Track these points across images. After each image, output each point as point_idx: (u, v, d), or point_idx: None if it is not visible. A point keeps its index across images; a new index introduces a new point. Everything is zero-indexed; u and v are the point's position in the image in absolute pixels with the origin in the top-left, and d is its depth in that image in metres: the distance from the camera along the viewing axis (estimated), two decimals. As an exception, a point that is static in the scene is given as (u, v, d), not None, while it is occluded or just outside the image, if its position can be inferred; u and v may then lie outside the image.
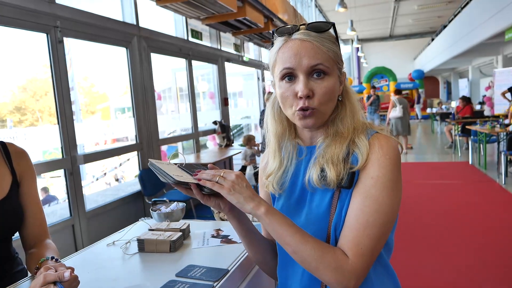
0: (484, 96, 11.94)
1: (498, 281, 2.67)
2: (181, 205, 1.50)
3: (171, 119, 6.13)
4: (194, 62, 5.60)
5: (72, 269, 0.86)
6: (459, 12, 11.49)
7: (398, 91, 9.13)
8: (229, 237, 1.28)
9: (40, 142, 3.37)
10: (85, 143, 3.93)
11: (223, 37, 6.71)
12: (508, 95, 7.86)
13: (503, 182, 5.41)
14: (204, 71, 7.13)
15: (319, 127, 0.87)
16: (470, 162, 7.12)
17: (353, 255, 0.75)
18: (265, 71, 8.51)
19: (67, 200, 3.39)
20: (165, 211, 1.46)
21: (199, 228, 1.40)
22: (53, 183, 5.99)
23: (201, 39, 5.92)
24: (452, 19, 12.55)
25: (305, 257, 0.76)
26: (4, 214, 1.11)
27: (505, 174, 5.54)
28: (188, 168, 0.90)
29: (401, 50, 21.10)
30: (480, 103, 12.91)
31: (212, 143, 7.17)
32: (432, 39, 16.65)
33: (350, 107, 0.87)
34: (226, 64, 6.76)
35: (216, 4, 4.74)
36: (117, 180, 8.82)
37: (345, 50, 20.80)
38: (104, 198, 4.41)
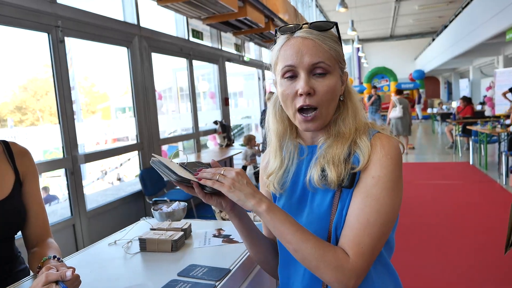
0: (485, 96, 11.92)
1: (499, 281, 2.67)
2: (182, 204, 1.50)
3: (172, 119, 6.13)
4: (194, 62, 5.60)
5: (74, 269, 0.87)
6: (460, 12, 11.47)
7: (399, 91, 9.14)
8: (231, 237, 1.28)
9: (40, 142, 3.37)
10: (85, 143, 3.93)
11: (224, 37, 6.71)
12: (509, 95, 7.85)
13: (504, 183, 5.41)
14: (205, 71, 7.14)
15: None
16: (470, 163, 7.11)
17: (354, 254, 0.76)
18: (265, 71, 8.51)
19: (67, 200, 3.39)
20: (167, 210, 1.46)
21: (200, 227, 1.40)
22: (49, 184, 5.98)
23: (202, 39, 5.92)
24: (453, 19, 12.53)
25: (306, 255, 0.76)
26: (7, 213, 1.11)
27: (506, 175, 5.54)
28: (190, 167, 0.90)
29: (401, 50, 21.08)
30: (481, 103, 12.89)
31: (212, 143, 7.17)
32: (433, 39, 16.62)
33: (352, 107, 0.87)
34: (227, 64, 6.76)
35: (217, 4, 4.74)
36: (119, 179, 8.83)
37: (346, 50, 20.73)
38: (104, 197, 4.42)
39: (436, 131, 12.99)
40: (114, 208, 3.86)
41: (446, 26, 13.77)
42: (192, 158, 5.07)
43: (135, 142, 4.35)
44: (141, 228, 1.41)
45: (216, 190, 0.80)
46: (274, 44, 0.87)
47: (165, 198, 3.96)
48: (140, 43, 4.30)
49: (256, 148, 5.66)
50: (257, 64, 8.48)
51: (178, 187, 0.92)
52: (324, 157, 0.83)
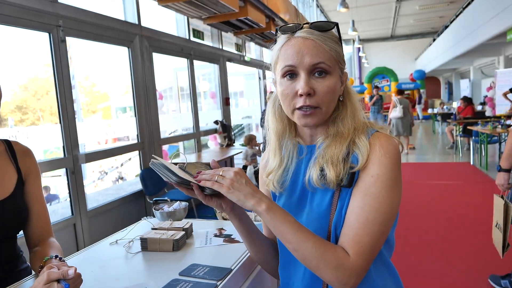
0: (486, 96, 11.92)
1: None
2: (183, 204, 1.51)
3: (173, 119, 6.13)
4: (195, 62, 5.61)
5: (75, 268, 0.87)
6: (460, 12, 11.48)
7: (400, 91, 9.17)
8: (232, 236, 1.28)
9: (41, 141, 3.38)
10: (85, 143, 3.94)
11: (225, 37, 6.71)
12: (509, 95, 7.84)
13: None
14: (206, 70, 7.14)
15: (319, 126, 0.87)
16: (471, 163, 7.11)
17: (354, 253, 0.76)
18: (266, 71, 8.51)
19: (68, 199, 3.40)
20: (168, 210, 1.46)
21: (201, 227, 1.40)
22: (47, 184, 5.98)
23: (203, 39, 5.92)
24: (453, 20, 12.53)
25: (306, 254, 0.76)
26: (9, 212, 1.11)
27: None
28: (190, 167, 0.90)
29: (402, 51, 21.08)
30: (481, 103, 12.88)
31: (213, 143, 7.17)
32: (434, 40, 16.63)
33: (351, 107, 0.87)
34: (228, 63, 6.76)
35: (218, 4, 4.74)
36: (121, 178, 8.84)
37: (347, 50, 20.77)
38: (105, 197, 4.42)
39: (436, 131, 12.99)
40: (114, 207, 3.86)
41: (446, 26, 13.77)
42: (192, 158, 5.07)
43: (135, 141, 4.35)
44: (142, 227, 1.42)
45: (216, 191, 0.80)
46: (275, 43, 0.88)
47: (166, 198, 3.96)
48: (141, 42, 4.30)
49: (257, 148, 5.66)
50: (258, 64, 8.48)
51: (178, 187, 0.92)
52: (323, 156, 0.84)
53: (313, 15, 12.54)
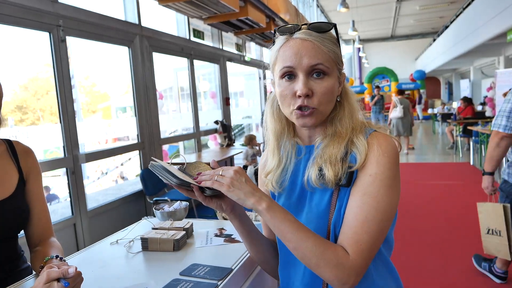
0: (486, 97, 11.91)
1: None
2: (184, 204, 1.51)
3: (173, 119, 6.13)
4: (195, 62, 5.61)
5: (75, 267, 0.87)
6: (461, 12, 11.47)
7: (400, 92, 9.17)
8: (232, 236, 1.28)
9: (41, 141, 3.37)
10: (85, 142, 3.94)
11: (225, 37, 6.72)
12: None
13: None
14: (206, 70, 7.14)
15: (317, 126, 0.88)
16: (471, 163, 7.11)
17: (353, 252, 0.76)
18: (266, 71, 8.50)
19: (68, 199, 3.40)
20: (169, 210, 1.46)
21: (202, 227, 1.40)
22: (47, 184, 5.98)
23: (203, 39, 5.92)
24: (454, 20, 12.53)
25: (306, 253, 0.76)
26: (10, 212, 1.11)
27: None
28: (189, 168, 0.90)
29: (402, 51, 21.08)
30: (481, 104, 12.88)
31: (213, 143, 7.17)
32: (434, 40, 16.62)
33: (348, 107, 0.88)
34: (228, 63, 6.76)
35: (218, 4, 4.74)
36: (122, 177, 8.84)
37: (347, 50, 20.77)
38: (105, 197, 4.42)
39: (436, 131, 12.99)
40: (114, 207, 3.86)
41: (447, 27, 13.77)
42: (193, 158, 5.07)
43: (135, 141, 4.35)
44: (143, 227, 1.42)
45: (216, 192, 0.81)
46: (273, 44, 0.88)
47: (166, 198, 3.96)
48: (141, 42, 4.31)
49: (257, 148, 5.66)
50: (258, 64, 8.48)
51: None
52: (321, 156, 0.84)
53: (313, 15, 12.54)
